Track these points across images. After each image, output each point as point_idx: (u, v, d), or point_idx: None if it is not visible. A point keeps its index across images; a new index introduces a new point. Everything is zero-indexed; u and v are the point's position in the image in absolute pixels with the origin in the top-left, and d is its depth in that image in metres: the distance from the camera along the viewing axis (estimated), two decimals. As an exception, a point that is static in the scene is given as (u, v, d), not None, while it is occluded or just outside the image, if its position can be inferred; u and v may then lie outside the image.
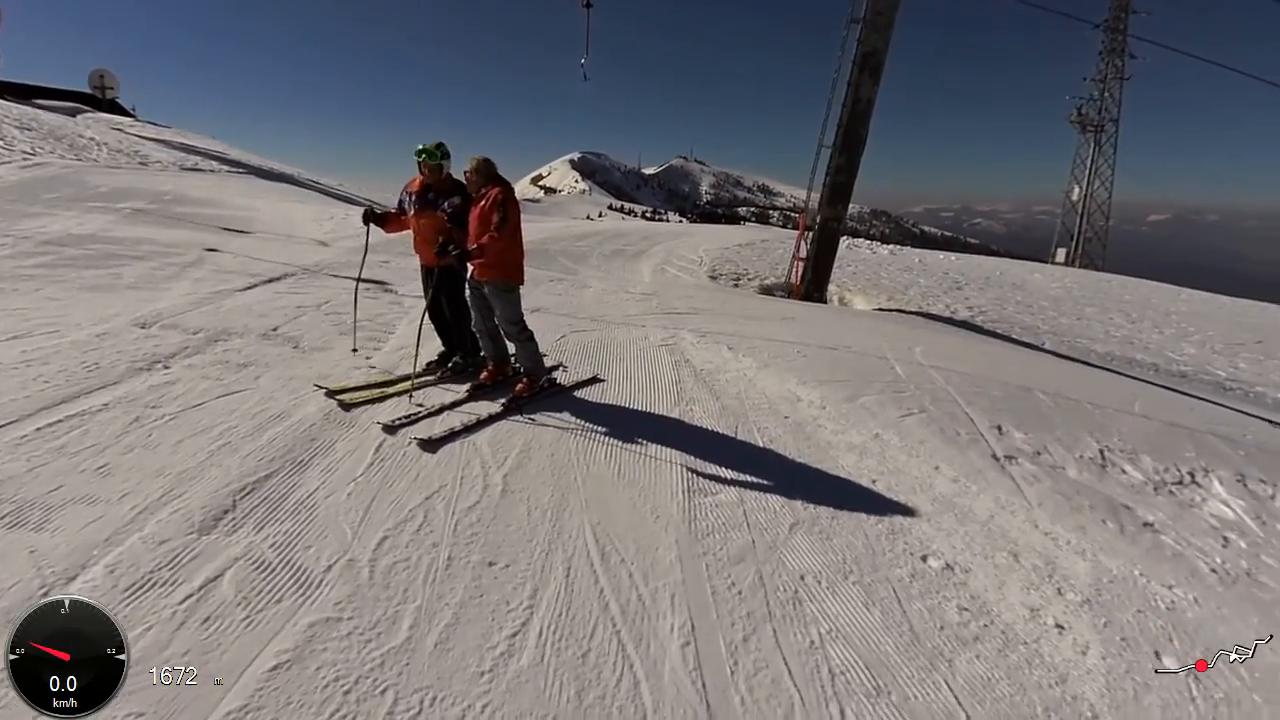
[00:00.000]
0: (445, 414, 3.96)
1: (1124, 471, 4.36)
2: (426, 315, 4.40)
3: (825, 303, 11.81)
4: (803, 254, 11.93)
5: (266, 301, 5.90)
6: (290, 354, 4.66)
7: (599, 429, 3.98)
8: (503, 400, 4.15)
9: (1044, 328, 11.60)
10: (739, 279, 12.61)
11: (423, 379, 4.35)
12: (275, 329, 5.14)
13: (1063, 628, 2.79)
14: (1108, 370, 8.46)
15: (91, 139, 16.70)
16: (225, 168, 19.34)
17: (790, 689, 2.27)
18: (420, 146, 4.19)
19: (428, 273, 4.41)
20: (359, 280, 4.94)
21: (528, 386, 4.26)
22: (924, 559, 3.13)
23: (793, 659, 2.40)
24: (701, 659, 2.34)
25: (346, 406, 3.87)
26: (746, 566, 2.87)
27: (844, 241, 15.59)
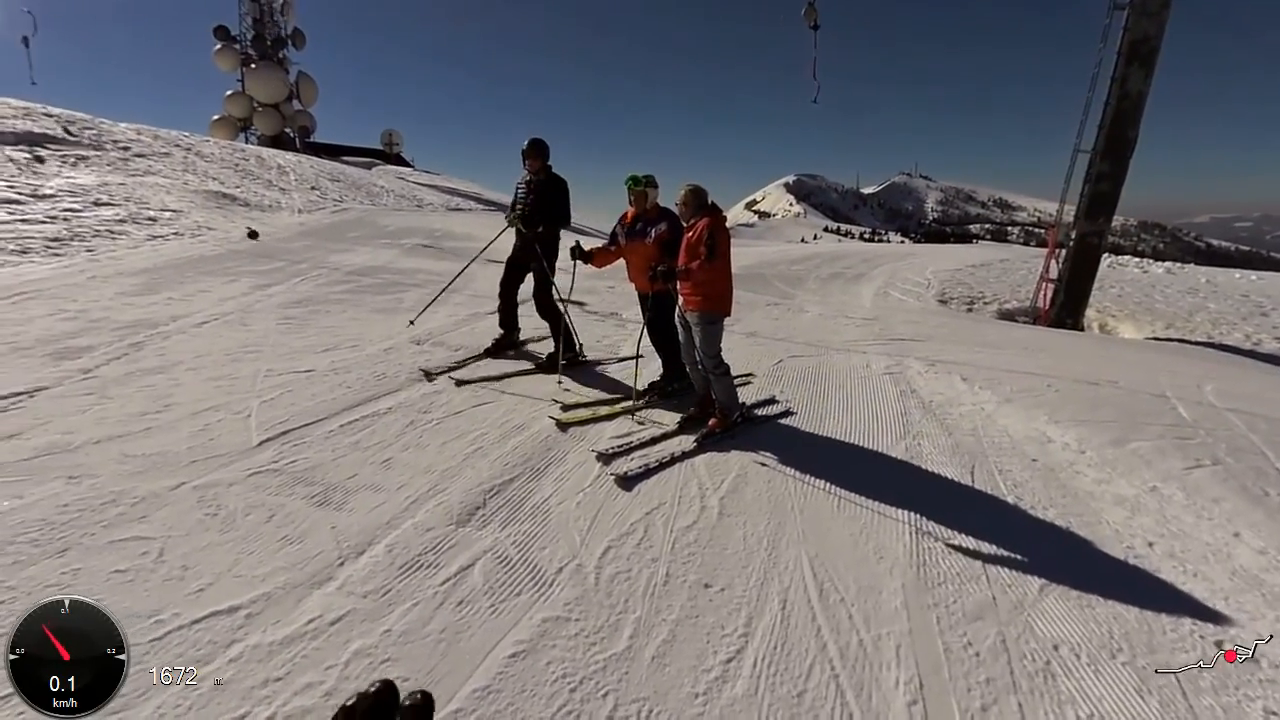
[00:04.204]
0: (652, 446, 3.99)
1: None
2: (644, 338, 4.60)
3: (1081, 330, 10.33)
4: (1052, 275, 10.58)
5: (511, 323, 6.59)
6: (531, 370, 5.16)
7: (818, 459, 3.84)
8: (695, 438, 4.06)
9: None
10: (973, 303, 11.52)
11: (641, 399, 4.57)
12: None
13: None
14: None
15: (382, 187, 20.15)
16: (481, 206, 22.19)
17: (1041, 775, 1.98)
18: (629, 175, 4.46)
19: (643, 298, 4.63)
20: (566, 320, 5.17)
21: (720, 422, 4.15)
22: (1219, 644, 2.57)
23: (1044, 741, 2.10)
24: (932, 721, 2.13)
25: (563, 427, 4.11)
26: (986, 625, 2.57)
27: (1105, 259, 13.53)
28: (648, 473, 3.64)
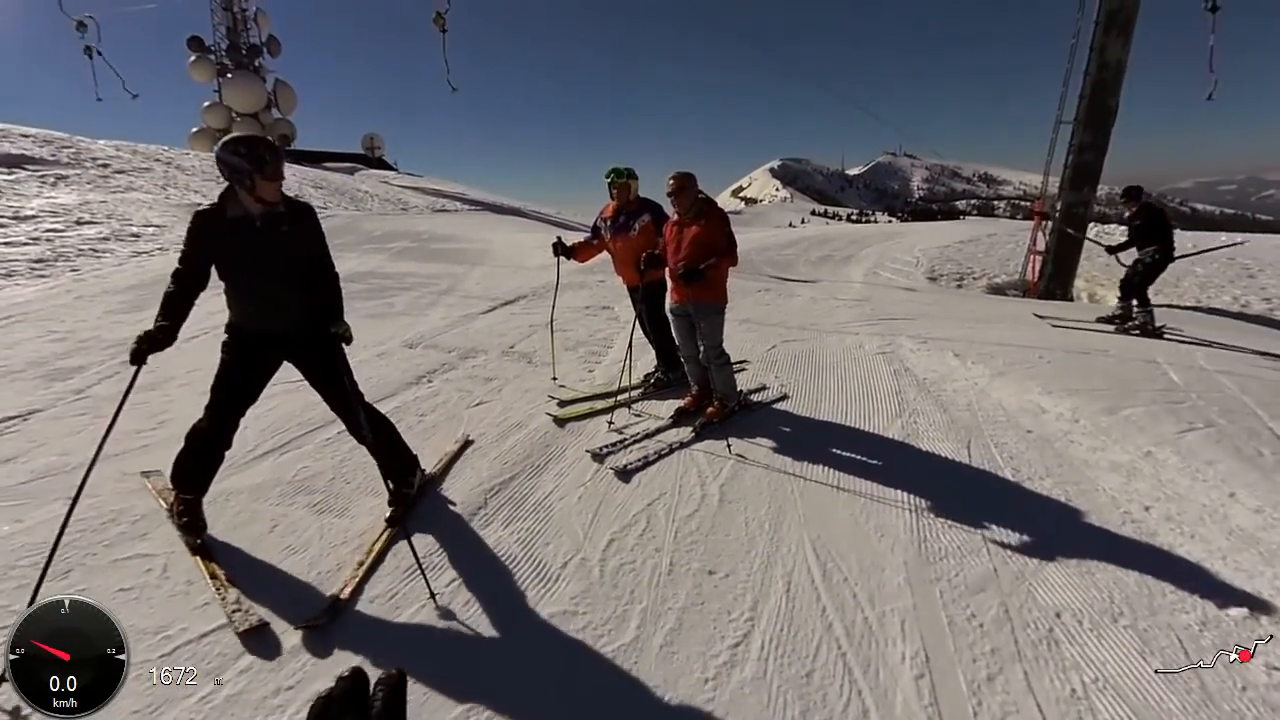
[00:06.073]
0: (650, 438, 3.99)
1: None
2: (636, 330, 4.60)
3: (1071, 300, 10.39)
4: (1040, 246, 10.63)
5: (504, 322, 6.60)
6: (525, 369, 5.16)
7: (815, 442, 3.87)
8: (693, 427, 4.05)
9: (1388, 321, 9.11)
10: (962, 279, 11.56)
11: (636, 391, 4.62)
12: (512, 347, 5.73)
13: None
14: None
15: (366, 192, 20.03)
16: (466, 207, 22.10)
17: (1048, 740, 2.01)
18: (609, 169, 4.43)
19: (632, 291, 4.63)
20: (552, 317, 5.37)
21: (718, 410, 4.14)
22: (1219, 605, 2.60)
23: (1049, 707, 2.12)
24: (938, 694, 2.15)
25: (561, 423, 4.13)
26: (988, 597, 2.60)
27: (1091, 229, 13.59)
28: (647, 464, 3.64)
